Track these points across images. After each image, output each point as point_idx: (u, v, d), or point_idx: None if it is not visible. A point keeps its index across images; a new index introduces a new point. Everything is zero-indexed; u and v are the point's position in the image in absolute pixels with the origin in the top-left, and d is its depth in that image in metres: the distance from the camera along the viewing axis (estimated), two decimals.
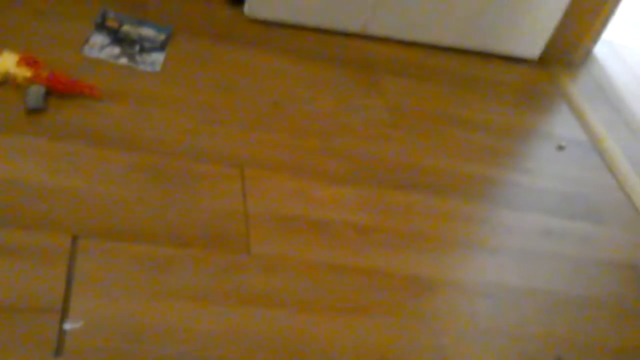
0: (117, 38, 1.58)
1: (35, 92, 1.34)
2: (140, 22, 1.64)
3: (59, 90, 1.37)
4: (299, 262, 1.25)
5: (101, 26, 1.59)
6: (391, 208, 1.43)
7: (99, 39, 1.56)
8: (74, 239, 1.14)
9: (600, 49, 2.28)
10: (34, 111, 1.33)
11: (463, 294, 1.31)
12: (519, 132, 1.81)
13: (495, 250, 1.43)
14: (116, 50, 1.55)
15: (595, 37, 2.20)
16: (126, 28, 1.61)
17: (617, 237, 1.58)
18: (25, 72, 1.36)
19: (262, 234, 1.27)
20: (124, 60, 1.53)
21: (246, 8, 1.80)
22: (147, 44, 1.59)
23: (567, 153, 1.79)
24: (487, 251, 1.43)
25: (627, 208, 1.69)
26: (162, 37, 1.62)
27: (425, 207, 1.47)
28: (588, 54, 2.24)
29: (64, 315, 1.03)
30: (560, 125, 1.90)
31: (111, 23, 1.60)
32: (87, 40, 1.54)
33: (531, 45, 2.08)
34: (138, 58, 1.55)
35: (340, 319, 1.18)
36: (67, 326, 1.01)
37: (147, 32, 1.62)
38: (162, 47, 1.60)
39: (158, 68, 1.55)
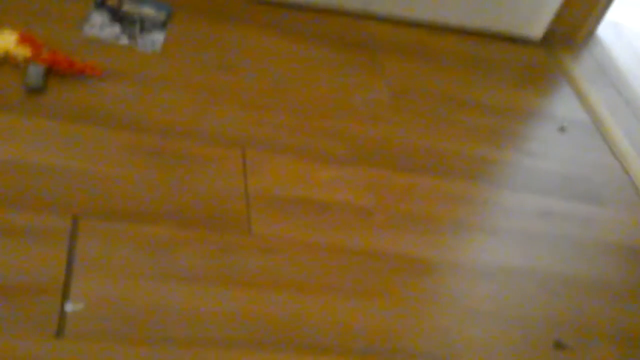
0: (118, 17, 1.56)
1: (35, 71, 1.33)
2: (141, 1, 1.62)
3: (59, 70, 1.36)
4: (300, 243, 1.25)
5: (101, 5, 1.58)
6: (392, 190, 1.43)
7: (99, 18, 1.54)
8: (75, 219, 1.13)
9: (604, 30, 2.26)
10: (33, 91, 1.32)
11: (464, 275, 1.31)
12: (520, 113, 1.80)
13: (496, 232, 1.43)
14: (116, 29, 1.54)
15: (598, 17, 2.18)
16: (126, 7, 1.60)
17: (619, 218, 1.58)
18: (24, 51, 1.35)
19: (262, 214, 1.27)
20: (124, 40, 1.52)
21: None
22: (147, 24, 1.58)
23: (568, 134, 1.79)
24: (488, 232, 1.42)
25: (629, 190, 1.68)
26: (162, 16, 1.61)
27: (425, 188, 1.46)
28: (591, 34, 2.22)
29: (65, 296, 1.03)
30: (562, 106, 1.89)
31: (111, 2, 1.59)
32: (87, 19, 1.53)
33: (534, 26, 2.07)
34: (138, 37, 1.54)
35: (342, 301, 1.18)
36: (69, 307, 1.02)
37: (148, 11, 1.61)
38: (162, 26, 1.59)
39: (158, 48, 1.54)
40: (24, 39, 1.36)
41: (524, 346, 1.22)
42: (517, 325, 1.26)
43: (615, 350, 1.28)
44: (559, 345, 1.25)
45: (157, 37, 1.56)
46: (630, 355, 1.28)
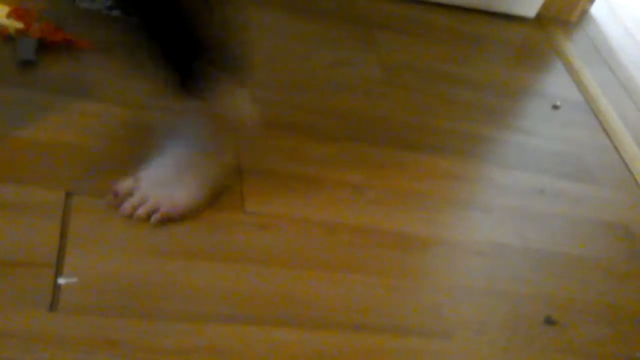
0: None
1: (27, 44, 1.32)
2: None
3: (51, 43, 1.35)
4: (293, 219, 1.25)
5: None
6: (384, 166, 1.43)
7: None
8: (68, 194, 1.13)
9: (598, 8, 2.26)
10: (25, 64, 1.31)
11: (456, 252, 1.32)
12: (514, 91, 1.80)
13: (489, 209, 1.44)
14: (109, 1, 1.52)
15: None
16: None
17: (610, 197, 1.59)
18: (16, 24, 1.34)
19: (256, 191, 1.27)
20: (116, 12, 1.51)
21: None
22: None
23: (561, 112, 1.79)
24: (480, 210, 1.43)
25: (621, 168, 1.69)
26: None
27: (418, 165, 1.47)
28: (585, 13, 2.22)
29: (58, 270, 1.03)
30: (556, 84, 1.90)
31: None
32: None
33: (528, 4, 2.06)
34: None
35: (334, 277, 1.18)
36: (62, 281, 1.02)
37: None
38: None
39: None
40: (15, 12, 1.35)
41: (515, 322, 1.23)
42: (509, 302, 1.26)
43: (605, 327, 1.29)
44: (549, 322, 1.26)
45: None
46: (620, 332, 1.30)
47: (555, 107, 1.80)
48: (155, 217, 1.13)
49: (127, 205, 1.13)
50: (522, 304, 1.27)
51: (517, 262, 1.35)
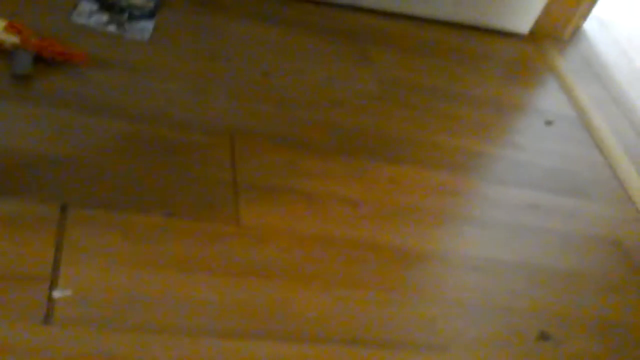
0: (106, 5, 1.55)
1: (23, 58, 1.33)
2: None
3: (47, 57, 1.36)
4: (288, 233, 1.25)
5: None
6: (379, 181, 1.43)
7: (87, 5, 1.54)
8: (63, 207, 1.13)
9: (590, 25, 2.28)
10: (20, 77, 1.32)
11: (450, 267, 1.32)
12: (507, 107, 1.81)
13: (482, 224, 1.44)
14: (104, 17, 1.53)
15: (585, 12, 2.20)
16: None
17: (603, 212, 1.60)
18: (12, 38, 1.34)
19: (251, 204, 1.27)
20: (112, 28, 1.52)
21: None
22: (136, 12, 1.57)
23: (554, 128, 1.80)
24: (474, 225, 1.43)
25: (613, 184, 1.70)
26: (151, 4, 1.60)
27: (413, 180, 1.47)
28: (578, 29, 2.24)
29: (53, 283, 1.03)
30: (549, 100, 1.91)
31: None
32: (75, 7, 1.52)
33: (521, 20, 2.08)
34: (127, 26, 1.53)
35: (329, 291, 1.18)
36: (56, 294, 1.01)
37: None
38: (151, 15, 1.58)
39: (147, 36, 1.53)
40: (12, 26, 1.35)
41: (508, 336, 1.23)
42: (503, 316, 1.27)
43: (598, 341, 1.30)
44: (543, 336, 1.26)
45: (146, 26, 1.55)
46: (613, 346, 1.30)
47: (548, 122, 1.81)
48: None
49: None
50: (517, 319, 1.27)
51: (511, 276, 1.35)
